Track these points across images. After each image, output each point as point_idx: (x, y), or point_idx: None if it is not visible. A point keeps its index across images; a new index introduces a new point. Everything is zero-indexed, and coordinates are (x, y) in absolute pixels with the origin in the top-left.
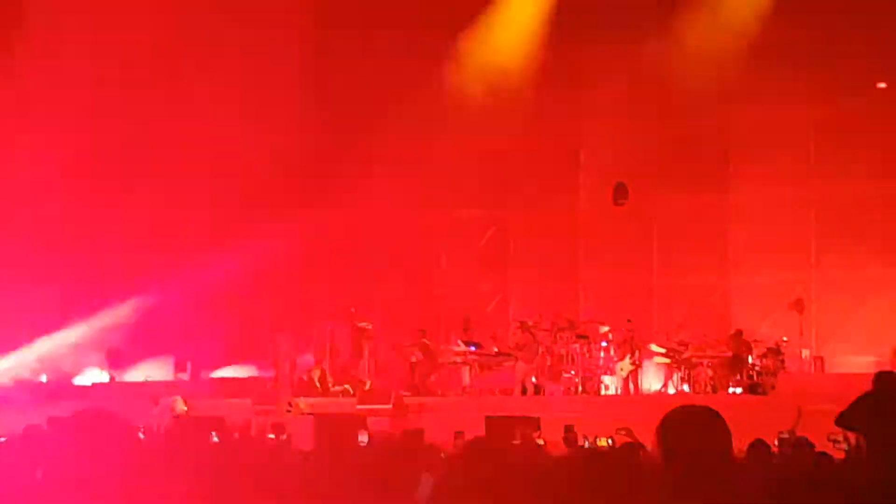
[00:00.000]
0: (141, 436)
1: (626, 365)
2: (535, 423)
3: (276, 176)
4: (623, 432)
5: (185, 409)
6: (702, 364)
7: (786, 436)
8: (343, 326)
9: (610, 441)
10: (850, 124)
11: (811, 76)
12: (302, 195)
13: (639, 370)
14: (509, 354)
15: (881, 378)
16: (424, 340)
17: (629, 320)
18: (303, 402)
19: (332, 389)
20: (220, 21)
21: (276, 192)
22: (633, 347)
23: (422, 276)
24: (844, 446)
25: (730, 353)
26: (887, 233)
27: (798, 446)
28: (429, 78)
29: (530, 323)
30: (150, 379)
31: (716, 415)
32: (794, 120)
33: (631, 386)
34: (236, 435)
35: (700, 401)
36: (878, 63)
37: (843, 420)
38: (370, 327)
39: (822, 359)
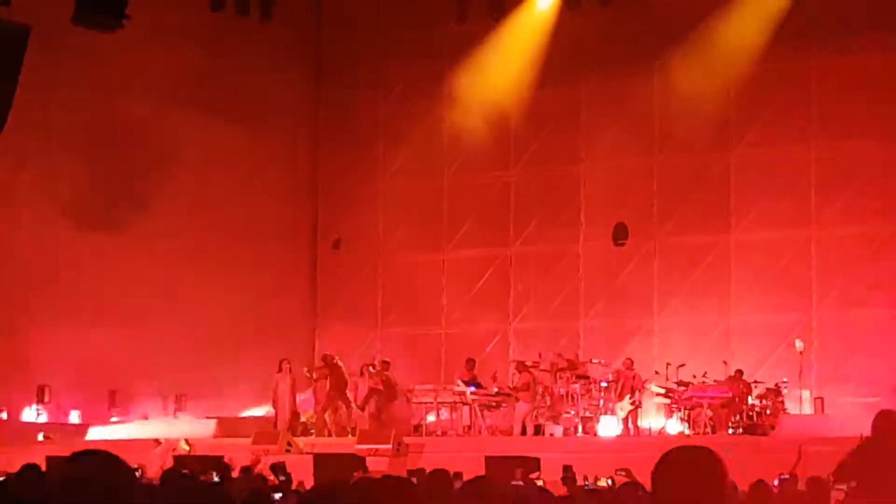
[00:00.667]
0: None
1: (625, 405)
2: (534, 464)
3: (273, 214)
4: (622, 473)
5: (188, 448)
6: (701, 404)
7: (786, 477)
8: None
9: (609, 481)
10: (850, 165)
11: (813, 117)
12: (302, 234)
13: (639, 410)
14: (509, 395)
15: (881, 418)
16: (387, 373)
17: (629, 360)
18: (302, 442)
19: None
20: (214, 69)
21: (274, 231)
22: (633, 387)
23: (423, 315)
24: (844, 487)
25: (730, 394)
26: (887, 274)
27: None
28: (428, 118)
29: (529, 363)
30: (150, 419)
31: (715, 456)
32: (795, 160)
33: (630, 426)
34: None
35: (699, 441)
36: (878, 104)
37: (840, 474)
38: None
39: (822, 399)
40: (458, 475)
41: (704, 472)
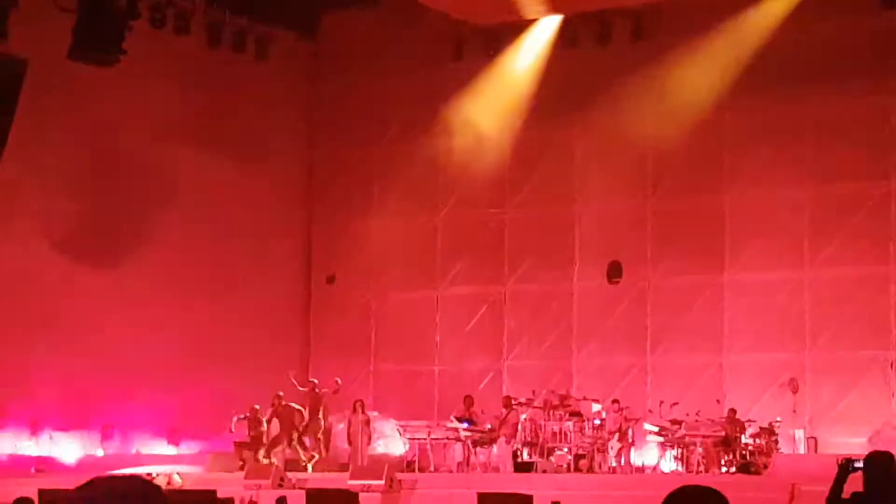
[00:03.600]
0: None
1: (616, 443)
2: (527, 500)
3: (268, 250)
4: None
5: (181, 482)
6: (695, 443)
7: None
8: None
9: None
10: (843, 207)
11: (807, 158)
12: (296, 269)
13: (631, 448)
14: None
15: (871, 458)
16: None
17: (616, 401)
18: (294, 477)
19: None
20: (210, 106)
21: (268, 266)
22: (627, 425)
23: (416, 352)
24: None
25: (723, 433)
26: (879, 315)
27: None
28: (422, 155)
29: (523, 400)
30: (144, 452)
31: (721, 496)
32: (789, 201)
33: (623, 464)
34: None
35: (692, 480)
36: (871, 147)
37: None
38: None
39: (815, 439)
40: None
41: None
